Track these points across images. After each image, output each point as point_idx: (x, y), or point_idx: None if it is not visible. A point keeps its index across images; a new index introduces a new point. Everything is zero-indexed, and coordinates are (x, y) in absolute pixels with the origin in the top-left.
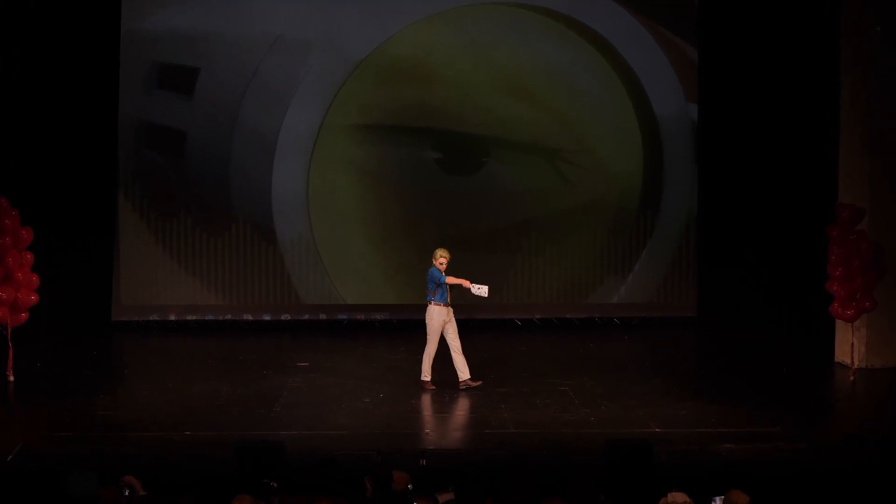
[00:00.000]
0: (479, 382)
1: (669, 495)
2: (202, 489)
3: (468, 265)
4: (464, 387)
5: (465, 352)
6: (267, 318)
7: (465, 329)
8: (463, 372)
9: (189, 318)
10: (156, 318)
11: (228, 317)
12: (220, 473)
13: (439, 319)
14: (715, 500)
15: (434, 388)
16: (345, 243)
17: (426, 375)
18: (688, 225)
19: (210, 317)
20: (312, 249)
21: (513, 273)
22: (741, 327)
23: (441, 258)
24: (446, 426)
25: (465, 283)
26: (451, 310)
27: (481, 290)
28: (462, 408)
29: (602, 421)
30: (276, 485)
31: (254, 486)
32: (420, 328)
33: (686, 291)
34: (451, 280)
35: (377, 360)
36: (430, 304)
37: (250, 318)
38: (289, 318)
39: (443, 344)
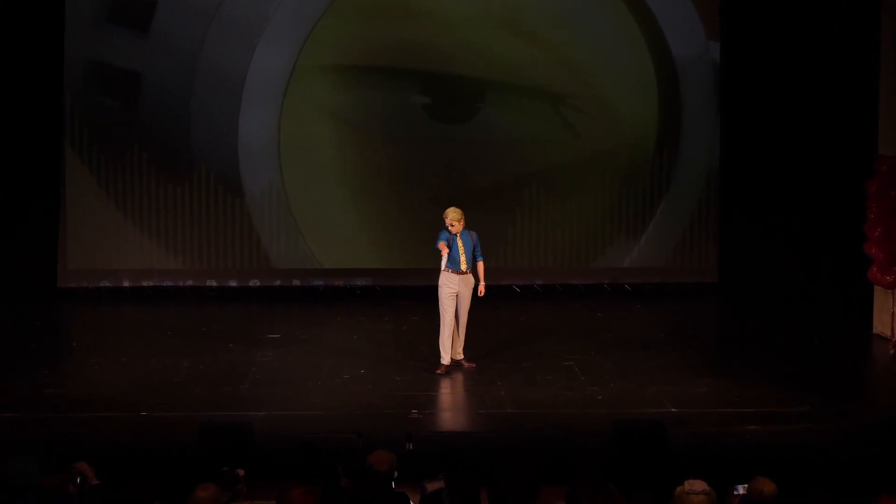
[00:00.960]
0: (472, 364)
1: (686, 483)
2: (161, 477)
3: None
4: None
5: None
6: (233, 284)
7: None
8: (454, 350)
9: (145, 284)
10: (107, 284)
11: (189, 282)
12: (181, 459)
13: (446, 289)
14: (737, 489)
15: (444, 372)
16: (321, 200)
17: (444, 359)
18: (708, 178)
19: (169, 283)
20: (285, 207)
21: (511, 233)
22: (768, 294)
23: (450, 218)
24: (436, 406)
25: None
26: (466, 278)
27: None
28: (454, 386)
29: (610, 399)
30: (241, 472)
31: (219, 472)
32: (405, 295)
33: (706, 254)
34: (444, 248)
35: (358, 332)
36: (441, 270)
37: (214, 284)
38: (258, 284)
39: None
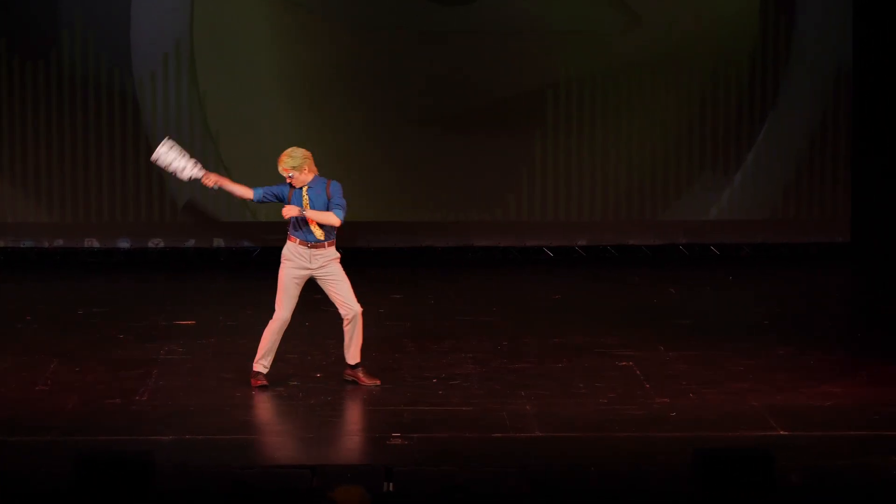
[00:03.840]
0: (374, 382)
1: None
2: None
3: (456, 154)
4: (348, 378)
5: (455, 303)
6: (125, 245)
7: (460, 264)
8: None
9: None
10: None
11: (60, 243)
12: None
13: (289, 267)
14: None
15: (263, 384)
16: (254, 120)
17: (259, 366)
18: (836, 89)
19: (28, 243)
20: (201, 130)
21: (537, 171)
22: None
23: (283, 166)
24: (428, 427)
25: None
26: (322, 252)
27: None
28: (454, 396)
29: (689, 417)
30: None
31: None
32: (379, 261)
33: (833, 201)
34: (289, 212)
35: (310, 316)
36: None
37: (96, 245)
38: (160, 244)
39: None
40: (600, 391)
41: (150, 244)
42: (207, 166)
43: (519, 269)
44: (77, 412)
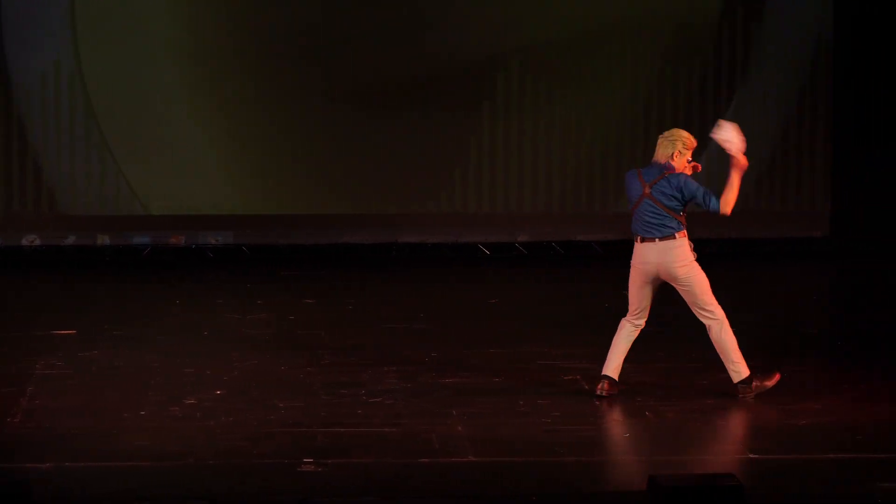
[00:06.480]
0: None
1: None
2: None
3: (380, 138)
4: None
5: (378, 308)
6: None
7: (383, 264)
8: None
9: None
10: None
11: None
12: None
13: None
14: None
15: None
16: (147, 99)
17: None
18: (815, 60)
19: None
20: (84, 109)
21: (473, 154)
22: None
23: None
24: (346, 451)
25: None
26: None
27: None
28: (376, 416)
29: (645, 438)
30: None
31: None
32: (293, 260)
33: (811, 190)
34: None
35: (210, 324)
36: None
37: None
38: (37, 242)
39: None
40: (543, 409)
41: (24, 242)
42: (91, 148)
43: (451, 269)
44: None
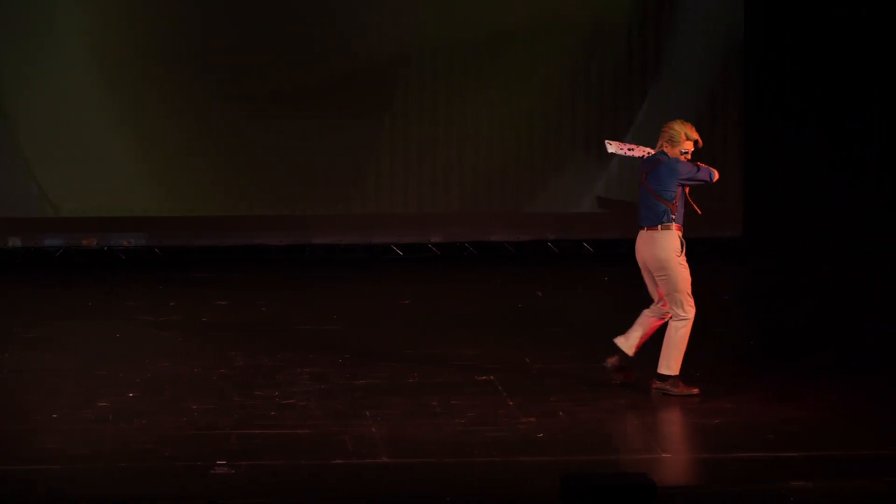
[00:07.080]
0: None
1: None
2: None
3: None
4: None
5: (291, 310)
6: None
7: (295, 265)
8: None
9: None
10: None
11: None
12: None
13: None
14: None
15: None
16: (57, 101)
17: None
18: (727, 61)
19: None
20: None
21: (380, 155)
22: (825, 254)
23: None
24: (259, 454)
25: None
26: None
27: None
28: (289, 417)
29: (559, 438)
30: None
31: None
32: (203, 262)
33: (723, 190)
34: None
35: (122, 326)
36: None
37: None
38: None
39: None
40: (457, 410)
41: None
42: (0, 150)
43: (364, 270)
44: None
